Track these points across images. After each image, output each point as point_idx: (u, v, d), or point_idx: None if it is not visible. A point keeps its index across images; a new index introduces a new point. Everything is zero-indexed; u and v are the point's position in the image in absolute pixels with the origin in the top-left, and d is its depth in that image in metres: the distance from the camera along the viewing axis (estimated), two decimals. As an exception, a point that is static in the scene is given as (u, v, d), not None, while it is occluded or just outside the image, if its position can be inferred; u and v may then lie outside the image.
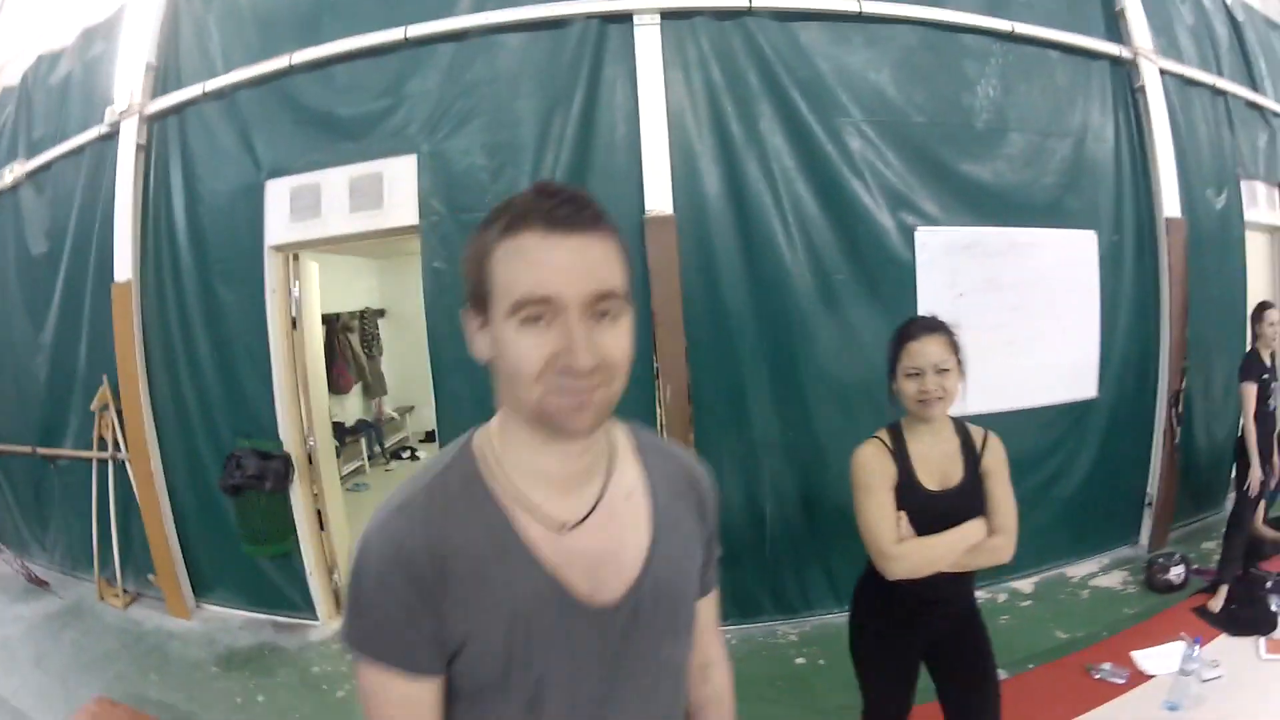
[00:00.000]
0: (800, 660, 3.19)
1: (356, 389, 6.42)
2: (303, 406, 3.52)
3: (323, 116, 3.40)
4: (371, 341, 6.64)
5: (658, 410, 3.09)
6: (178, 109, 3.64)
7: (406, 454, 6.09)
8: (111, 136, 3.77)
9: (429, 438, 6.12)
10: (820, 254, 3.24)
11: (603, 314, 0.78)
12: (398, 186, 3.27)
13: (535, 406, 0.79)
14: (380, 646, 0.84)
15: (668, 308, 3.01)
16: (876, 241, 3.30)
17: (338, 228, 3.35)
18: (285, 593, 3.69)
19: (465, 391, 3.16)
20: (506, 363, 0.79)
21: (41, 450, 4.59)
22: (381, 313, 6.80)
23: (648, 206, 3.08)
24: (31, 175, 4.31)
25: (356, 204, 3.33)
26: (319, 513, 3.64)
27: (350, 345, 6.36)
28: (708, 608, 1.04)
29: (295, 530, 3.54)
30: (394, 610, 0.81)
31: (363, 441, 6.29)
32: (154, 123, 3.72)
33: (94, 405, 4.02)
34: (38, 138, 4.27)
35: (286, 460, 3.42)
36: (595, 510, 0.88)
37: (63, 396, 4.34)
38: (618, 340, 0.80)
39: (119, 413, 3.92)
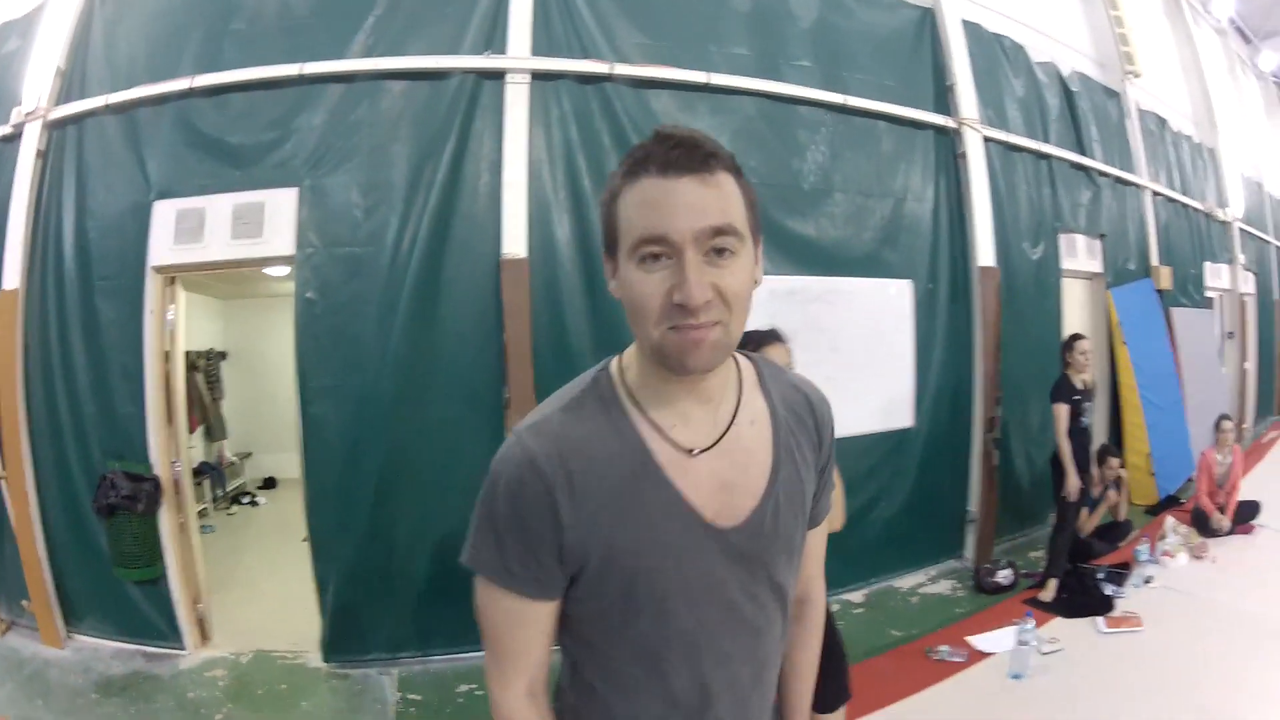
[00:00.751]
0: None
1: (199, 431, 6.09)
2: (173, 431, 3.58)
3: (215, 142, 3.50)
4: (214, 383, 6.38)
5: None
6: (78, 118, 3.63)
7: (247, 499, 6.07)
8: (14, 138, 3.72)
9: (267, 484, 6.19)
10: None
11: (718, 251, 0.82)
12: (278, 217, 3.43)
13: (656, 345, 0.84)
14: (503, 567, 0.88)
15: (518, 342, 3.32)
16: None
17: (218, 253, 3.47)
18: (153, 621, 3.65)
19: (333, 419, 3.35)
20: (630, 301, 0.84)
21: None
22: (224, 355, 6.62)
23: (504, 249, 3.38)
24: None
25: (238, 231, 3.46)
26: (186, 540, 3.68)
27: (197, 385, 6.00)
28: (816, 541, 1.09)
29: (162, 556, 3.56)
30: (522, 528, 0.86)
31: (206, 484, 5.97)
32: (55, 129, 3.70)
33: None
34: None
35: (157, 483, 3.46)
36: (723, 437, 0.92)
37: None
38: (734, 276, 0.83)
39: None
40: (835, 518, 1.82)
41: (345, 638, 3.41)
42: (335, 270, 3.38)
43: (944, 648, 3.34)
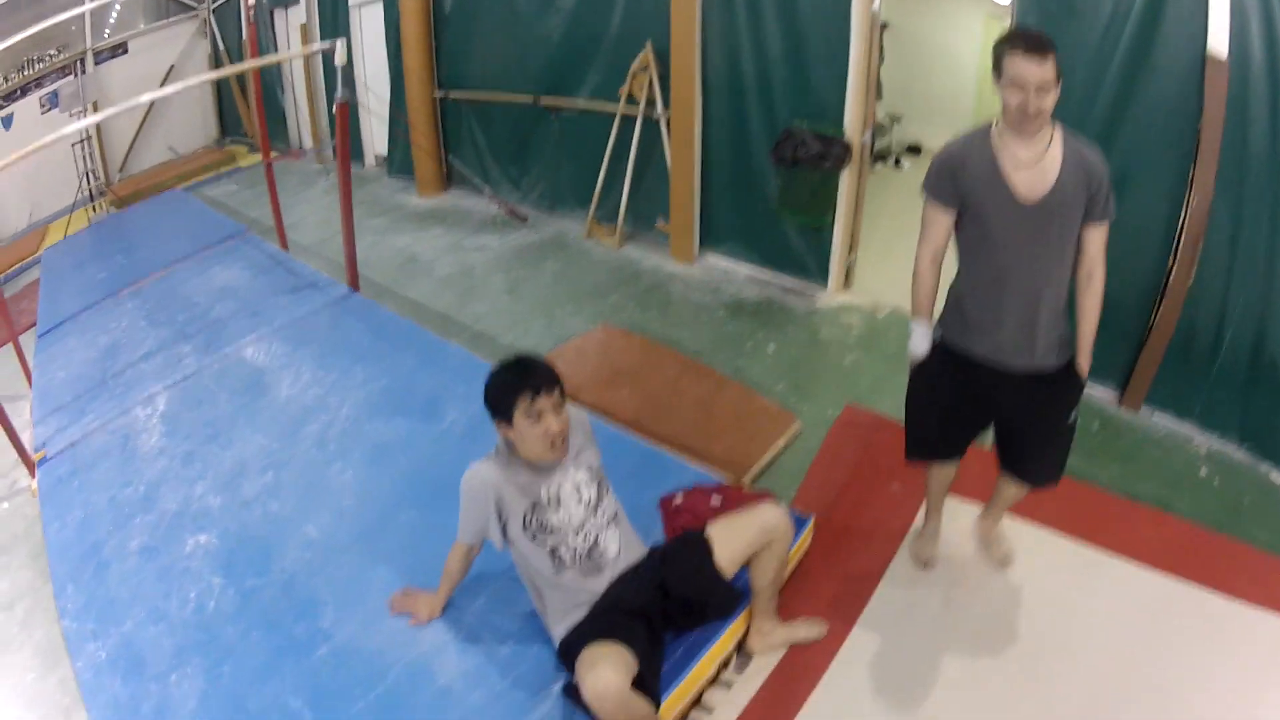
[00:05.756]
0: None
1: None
2: (868, 103, 3.80)
3: None
4: (879, 49, 6.32)
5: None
6: None
7: (892, 160, 5.96)
8: None
9: (912, 150, 6.07)
10: None
11: (1045, 89, 1.71)
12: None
13: (1011, 118, 1.77)
14: (933, 192, 1.91)
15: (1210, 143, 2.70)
16: None
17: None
18: (802, 260, 4.16)
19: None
20: (1004, 100, 1.77)
21: (545, 100, 5.37)
22: (885, 25, 6.00)
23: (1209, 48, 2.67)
24: None
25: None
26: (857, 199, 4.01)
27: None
28: (1097, 237, 1.85)
29: (835, 208, 3.94)
30: (940, 176, 1.87)
31: None
32: None
33: (634, 66, 4.61)
34: None
35: (846, 147, 3.76)
36: (1037, 163, 1.78)
37: (581, 56, 5.04)
38: (1051, 99, 1.72)
39: (663, 76, 4.50)
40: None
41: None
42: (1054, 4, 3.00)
43: None
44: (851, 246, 4.09)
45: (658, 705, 1.78)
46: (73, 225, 6.93)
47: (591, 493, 1.96)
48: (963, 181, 1.83)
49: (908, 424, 2.18)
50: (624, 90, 4.79)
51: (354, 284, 4.37)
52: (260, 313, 4.07)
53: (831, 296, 4.11)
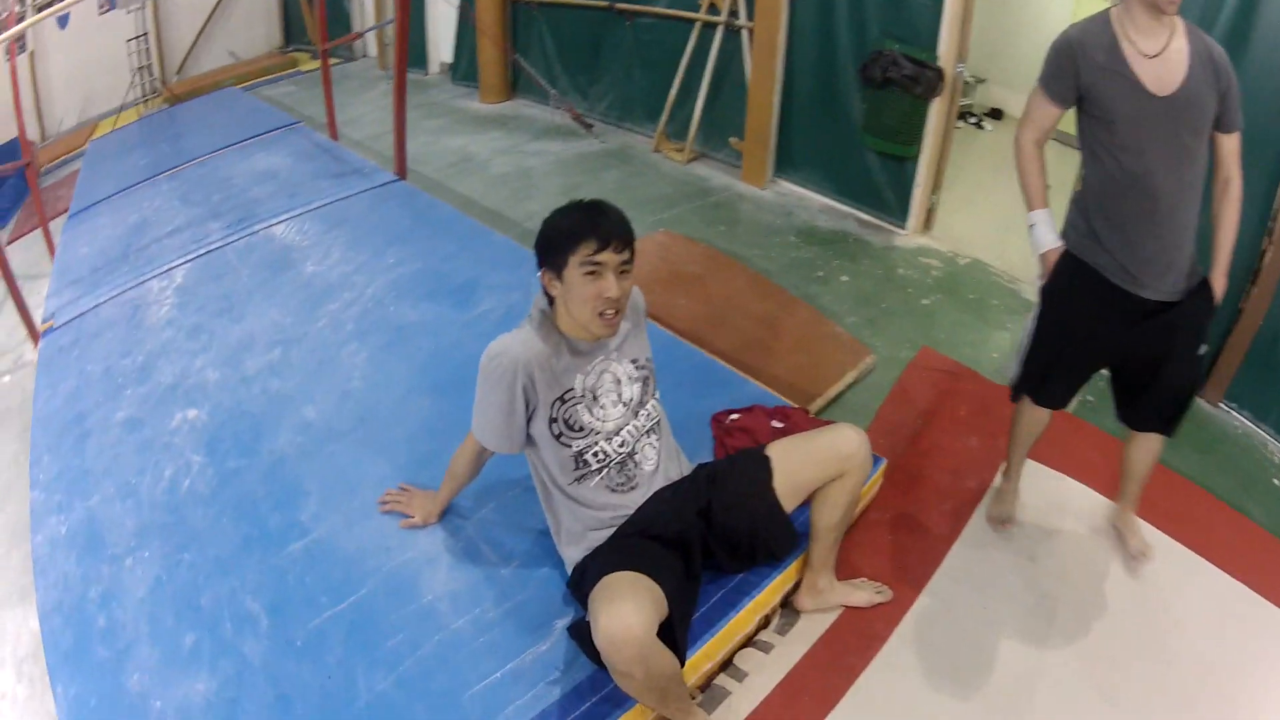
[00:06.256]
0: None
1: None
2: (965, 33, 3.37)
3: None
4: None
5: None
6: None
7: (973, 120, 5.52)
8: None
9: (994, 114, 5.61)
10: None
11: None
12: None
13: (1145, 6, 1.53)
14: (1047, 83, 1.64)
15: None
16: None
17: None
18: (883, 194, 3.75)
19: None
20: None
21: (620, 5, 4.97)
22: None
23: None
24: None
25: None
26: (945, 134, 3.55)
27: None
28: (1230, 144, 1.63)
29: (921, 140, 3.51)
30: (1059, 64, 1.61)
31: None
32: None
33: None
34: None
35: (940, 74, 3.35)
36: (1161, 53, 1.53)
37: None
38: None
39: None
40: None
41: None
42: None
43: None
44: (935, 186, 3.62)
45: (682, 661, 1.38)
46: (123, 121, 6.82)
47: (634, 391, 1.55)
48: (1085, 72, 1.59)
49: (1030, 351, 1.84)
50: (707, -1, 4.36)
51: (401, 173, 4.05)
52: (298, 194, 3.76)
53: (911, 236, 3.67)
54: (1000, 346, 2.86)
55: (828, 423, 1.95)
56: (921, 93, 3.36)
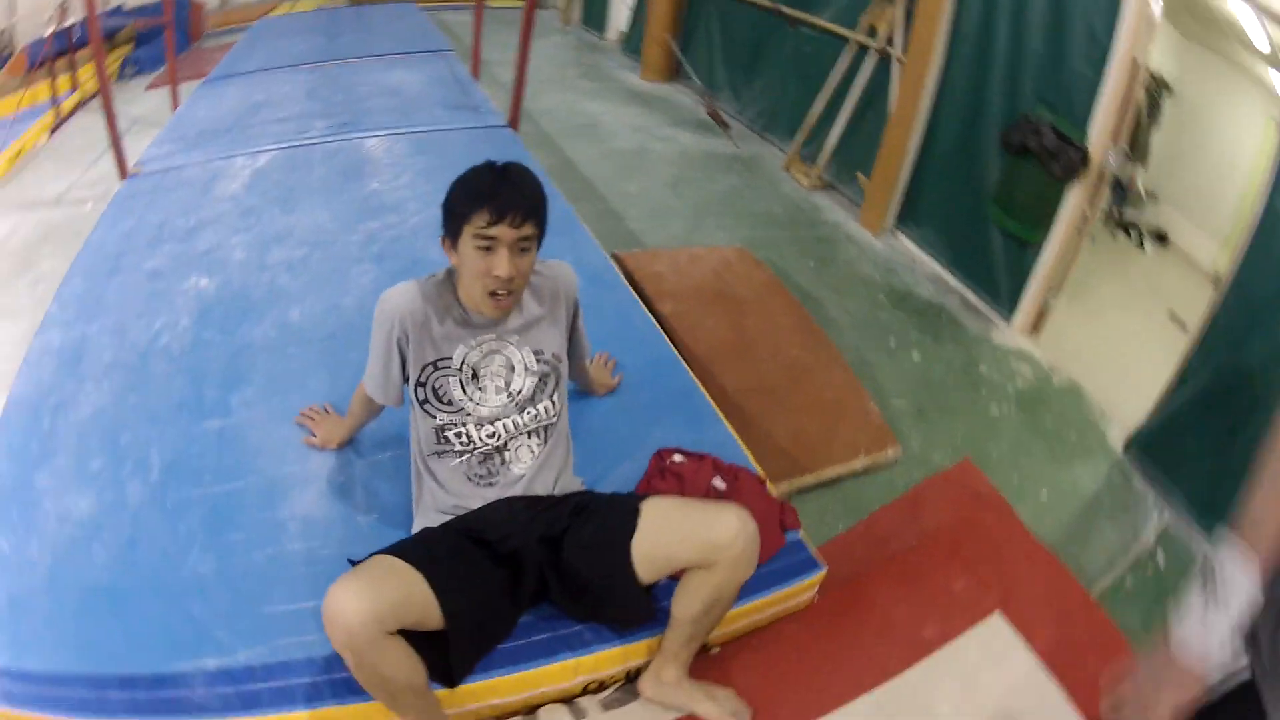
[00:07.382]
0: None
1: (1122, 139, 4.72)
2: (1122, 120, 2.93)
3: None
4: (1153, 107, 5.18)
5: None
6: None
7: (1135, 234, 4.87)
8: None
9: (1160, 238, 4.82)
10: None
11: None
12: None
13: None
14: None
15: None
16: None
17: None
18: (996, 277, 3.30)
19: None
20: None
21: (787, 10, 4.78)
22: (1168, 87, 5.17)
23: None
24: None
25: None
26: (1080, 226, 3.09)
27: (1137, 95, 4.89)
28: None
29: (1050, 227, 3.06)
30: None
31: (1106, 190, 4.44)
32: None
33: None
34: None
35: (1085, 155, 2.92)
36: None
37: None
38: None
39: (909, 12, 3.76)
40: None
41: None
42: None
43: None
44: (1056, 285, 3.13)
45: (455, 682, 1.27)
46: (301, 7, 7.31)
47: (527, 385, 1.43)
48: None
49: None
50: (865, 19, 4.11)
51: (514, 122, 4.11)
52: (408, 115, 3.90)
53: (1012, 333, 3.19)
54: (1057, 488, 2.40)
55: (781, 503, 1.76)
56: (1059, 172, 2.95)
